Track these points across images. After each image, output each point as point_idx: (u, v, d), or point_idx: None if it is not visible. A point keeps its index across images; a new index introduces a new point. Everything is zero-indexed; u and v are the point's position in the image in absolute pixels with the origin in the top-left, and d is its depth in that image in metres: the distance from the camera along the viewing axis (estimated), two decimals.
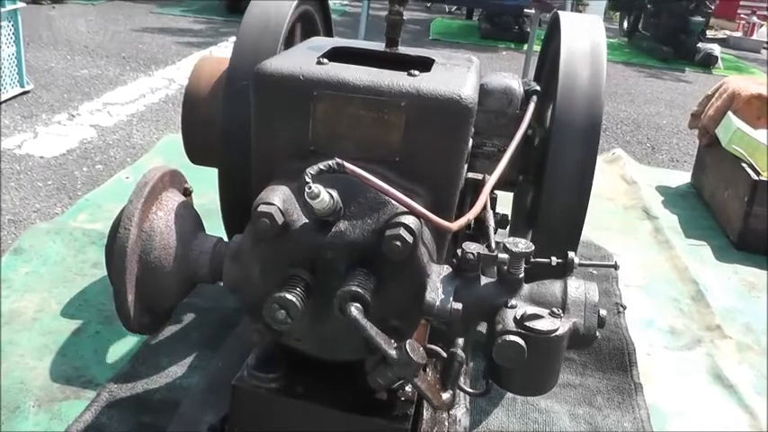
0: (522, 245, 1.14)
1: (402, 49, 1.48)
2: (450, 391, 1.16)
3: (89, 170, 2.86)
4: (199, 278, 1.20)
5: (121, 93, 4.01)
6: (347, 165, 1.09)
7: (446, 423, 1.36)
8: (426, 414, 1.35)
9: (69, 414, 1.51)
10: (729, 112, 2.97)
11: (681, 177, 3.58)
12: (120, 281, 1.10)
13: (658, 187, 3.42)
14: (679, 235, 2.91)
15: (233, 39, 5.72)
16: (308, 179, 1.06)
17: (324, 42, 1.47)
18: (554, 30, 1.79)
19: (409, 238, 1.07)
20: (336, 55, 1.36)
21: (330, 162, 1.09)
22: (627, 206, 3.13)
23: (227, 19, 6.71)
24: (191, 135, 1.78)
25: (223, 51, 5.43)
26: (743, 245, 2.76)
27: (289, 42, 1.70)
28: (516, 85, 1.60)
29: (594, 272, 2.43)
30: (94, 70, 4.42)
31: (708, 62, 6.79)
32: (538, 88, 1.63)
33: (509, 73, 1.67)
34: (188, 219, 1.20)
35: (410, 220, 1.09)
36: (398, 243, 1.07)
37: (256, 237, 1.11)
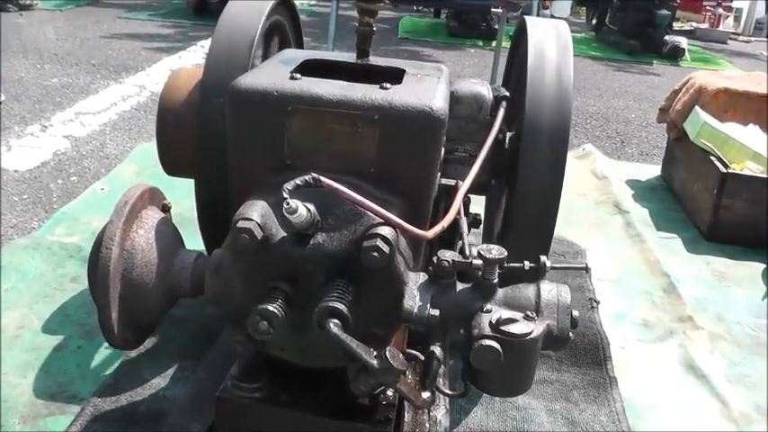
0: (496, 251, 1.18)
1: (373, 60, 1.51)
2: (430, 392, 1.19)
3: (64, 182, 2.85)
4: (180, 293, 1.22)
5: (93, 101, 3.99)
6: (323, 179, 1.12)
7: (427, 425, 1.39)
8: (407, 416, 1.38)
9: (54, 430, 1.52)
10: (697, 107, 3.04)
11: (651, 171, 3.64)
12: (103, 299, 1.12)
13: (629, 181, 3.48)
14: (650, 228, 2.97)
15: (202, 42, 5.71)
16: (285, 195, 1.08)
17: (296, 55, 1.49)
18: (521, 35, 1.83)
19: (386, 249, 1.10)
20: (309, 68, 1.39)
21: (306, 177, 1.12)
22: (598, 201, 3.18)
23: (195, 22, 6.68)
24: (165, 147, 1.80)
25: (192, 56, 5.42)
26: (713, 236, 2.83)
27: (261, 53, 1.72)
28: (486, 91, 1.64)
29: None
30: (65, 79, 4.39)
31: (675, 54, 6.91)
32: (507, 94, 1.66)
33: (478, 79, 1.71)
34: (168, 235, 1.22)
35: (386, 230, 1.13)
36: (376, 254, 1.10)
37: (236, 251, 1.14)
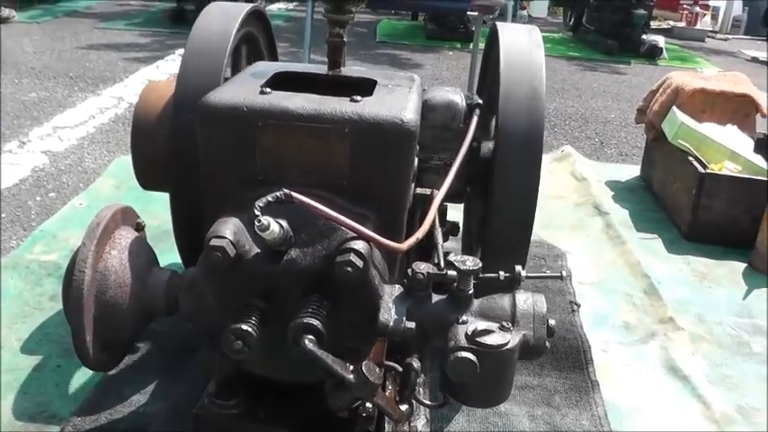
0: (470, 262, 1.18)
1: (346, 70, 1.51)
2: (408, 404, 1.19)
3: (42, 199, 2.82)
4: (155, 311, 1.21)
5: (71, 115, 3.96)
6: (294, 195, 1.12)
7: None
8: (387, 428, 1.38)
9: None
10: (674, 107, 3.06)
11: (630, 171, 3.67)
12: (77, 321, 1.11)
13: (608, 182, 3.50)
14: (630, 229, 2.98)
15: (179, 51, 5.68)
16: (257, 212, 1.08)
17: (267, 68, 1.49)
18: (493, 41, 1.84)
19: (359, 263, 1.10)
20: (280, 81, 1.38)
21: (278, 193, 1.11)
22: (577, 203, 3.20)
23: (172, 31, 6.65)
24: (140, 161, 1.79)
25: (170, 65, 5.39)
26: (693, 236, 2.85)
27: (234, 65, 1.71)
28: (459, 99, 1.64)
29: (548, 272, 2.50)
30: (43, 93, 4.36)
31: (653, 54, 6.96)
32: (480, 101, 1.67)
33: (451, 87, 1.71)
34: (141, 255, 1.21)
35: (360, 245, 1.12)
36: (349, 268, 1.10)
37: (209, 269, 1.13)
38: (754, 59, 7.96)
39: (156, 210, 2.63)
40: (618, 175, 3.61)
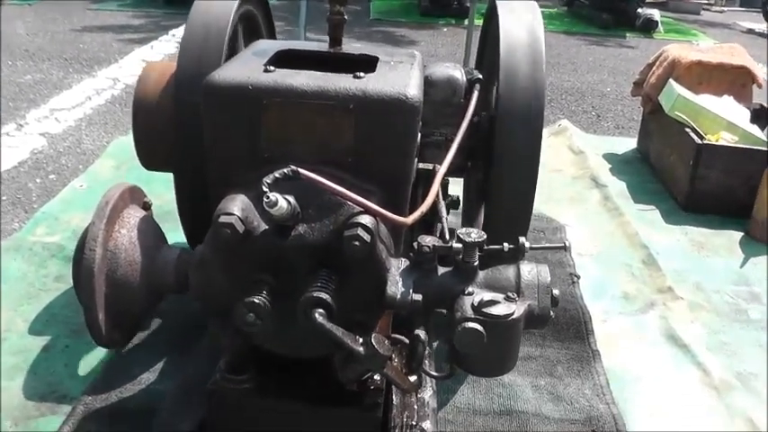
0: (475, 234, 1.20)
1: (347, 47, 1.52)
2: (416, 375, 1.22)
3: (42, 181, 2.83)
4: (165, 289, 1.23)
5: (67, 97, 3.95)
6: (301, 171, 1.13)
7: (415, 407, 1.42)
8: (396, 400, 1.40)
9: (47, 430, 1.53)
10: (671, 80, 3.07)
11: (627, 144, 3.68)
12: (89, 300, 1.13)
13: (605, 155, 3.52)
14: (628, 201, 3.01)
15: (173, 31, 5.65)
16: (265, 189, 1.09)
17: (268, 46, 1.49)
18: (491, 17, 1.84)
19: (367, 237, 1.12)
20: (282, 59, 1.39)
21: (285, 170, 1.13)
22: (575, 176, 3.22)
23: (166, 11, 6.61)
24: (142, 142, 1.80)
25: (164, 46, 5.37)
26: (690, 206, 2.88)
27: (232, 44, 1.72)
28: (459, 74, 1.65)
29: (548, 244, 2.52)
30: (38, 75, 4.34)
31: (648, 27, 6.94)
32: (480, 77, 1.68)
33: (451, 63, 1.72)
34: (150, 233, 1.23)
35: (366, 219, 1.14)
36: (357, 243, 1.12)
37: (218, 246, 1.15)
38: (750, 31, 7.95)
39: (158, 190, 2.62)
40: (615, 148, 3.62)
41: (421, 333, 1.24)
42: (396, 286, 1.19)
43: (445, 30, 6.71)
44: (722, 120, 2.87)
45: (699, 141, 2.79)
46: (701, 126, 2.87)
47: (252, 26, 1.94)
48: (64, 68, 4.55)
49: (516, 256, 1.24)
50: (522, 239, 1.25)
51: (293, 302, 1.13)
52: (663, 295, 2.27)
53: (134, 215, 1.23)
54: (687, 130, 2.89)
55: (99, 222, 1.15)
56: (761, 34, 7.62)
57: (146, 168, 1.89)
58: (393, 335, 1.31)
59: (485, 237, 1.19)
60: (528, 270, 1.22)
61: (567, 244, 1.34)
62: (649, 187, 3.15)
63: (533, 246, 1.26)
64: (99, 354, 1.78)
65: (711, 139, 2.81)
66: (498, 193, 1.61)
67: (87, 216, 2.38)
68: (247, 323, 1.11)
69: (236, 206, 1.15)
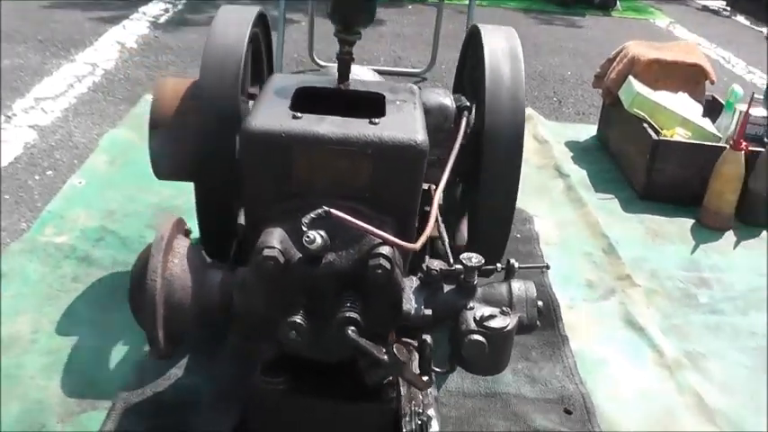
0: (475, 259, 1.43)
1: (353, 83, 1.72)
2: (428, 375, 1.45)
3: (41, 177, 2.96)
4: (211, 308, 1.44)
5: (49, 85, 4.03)
6: (332, 211, 1.35)
7: (420, 396, 1.66)
8: (403, 391, 1.65)
9: (91, 425, 1.72)
10: (630, 77, 3.33)
11: (587, 131, 3.94)
12: (152, 323, 1.33)
13: (567, 143, 3.77)
14: (589, 190, 3.27)
15: (143, 9, 5.65)
16: (304, 228, 1.31)
17: (286, 83, 1.68)
18: (474, 43, 2.06)
19: (388, 266, 1.34)
20: (300, 97, 1.59)
21: (319, 211, 1.34)
22: (540, 166, 3.46)
23: None
24: (159, 158, 1.97)
25: (136, 25, 5.41)
26: (647, 195, 3.15)
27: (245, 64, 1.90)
28: (449, 101, 1.86)
29: (518, 235, 2.77)
30: (16, 60, 4.38)
31: (606, 5, 7.19)
32: (467, 104, 1.90)
33: (441, 89, 1.93)
34: (196, 260, 1.43)
35: (386, 249, 1.36)
36: (380, 270, 1.34)
37: (262, 275, 1.35)
38: (705, 8, 8.26)
39: (156, 187, 2.81)
40: (576, 136, 3.88)
41: (428, 338, 1.48)
42: (410, 303, 1.42)
43: (410, 7, 6.85)
44: (677, 116, 3.14)
45: (655, 137, 3.06)
46: (658, 122, 3.13)
47: (257, 47, 2.12)
48: (40, 51, 4.60)
49: (507, 275, 1.49)
50: (512, 261, 1.49)
51: (324, 319, 1.36)
52: (622, 282, 2.55)
53: (182, 244, 1.43)
54: (645, 125, 3.15)
55: (158, 255, 1.34)
56: (715, 12, 7.93)
57: (158, 178, 2.07)
58: (403, 339, 1.54)
59: (483, 261, 1.43)
60: (518, 287, 1.47)
61: (548, 264, 1.57)
62: (609, 176, 3.42)
63: (521, 266, 1.50)
64: (126, 353, 1.97)
65: (667, 134, 3.08)
66: (483, 206, 1.85)
67: (91, 214, 2.59)
68: (290, 339, 1.33)
69: (276, 239, 1.36)
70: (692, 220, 3.03)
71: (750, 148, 2.90)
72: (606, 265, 2.67)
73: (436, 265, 1.44)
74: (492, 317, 1.37)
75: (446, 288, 1.46)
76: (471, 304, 1.42)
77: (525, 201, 3.05)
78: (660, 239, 2.91)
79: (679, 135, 3.10)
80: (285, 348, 1.43)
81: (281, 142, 1.41)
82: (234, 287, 1.43)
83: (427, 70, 4.65)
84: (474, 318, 1.38)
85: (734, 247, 2.88)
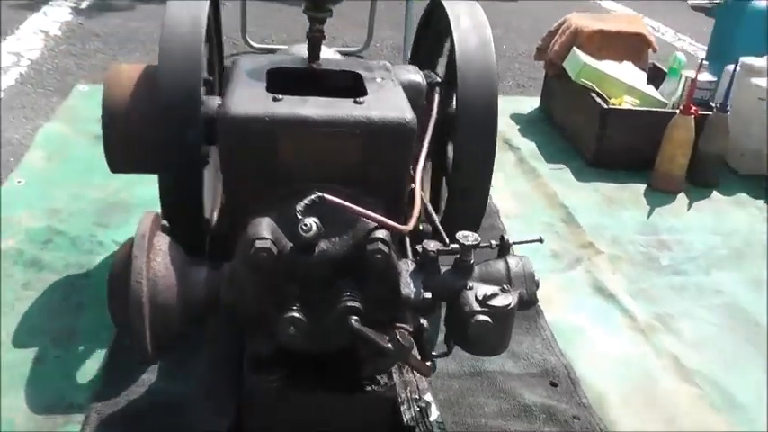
0: (471, 237, 1.39)
1: (324, 61, 1.65)
2: (430, 360, 1.41)
3: None
4: (197, 306, 1.35)
5: None
6: (326, 197, 1.28)
7: (414, 381, 1.62)
8: (396, 378, 1.60)
9: None
10: (574, 48, 3.35)
11: (530, 103, 3.95)
12: (140, 327, 1.24)
13: (512, 116, 3.78)
14: (541, 162, 3.29)
15: None
16: (299, 216, 1.24)
17: (256, 65, 1.59)
18: (434, 16, 2.03)
19: (386, 249, 1.29)
20: (274, 81, 1.51)
21: (313, 197, 1.27)
22: None
23: None
24: (114, 148, 1.86)
25: (57, 12, 5.12)
26: (597, 163, 3.19)
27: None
28: (420, 78, 1.81)
29: None
30: None
31: None
32: (439, 80, 1.85)
33: (410, 66, 1.88)
34: (178, 256, 1.34)
35: (382, 233, 1.31)
36: (379, 255, 1.29)
37: (254, 267, 1.28)
38: None
39: (99, 182, 2.67)
40: (520, 109, 3.89)
41: (425, 323, 1.43)
42: (408, 287, 1.37)
43: None
44: (624, 84, 3.18)
45: (604, 106, 3.09)
46: (605, 91, 3.17)
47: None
48: None
49: (503, 251, 1.45)
50: (506, 237, 1.46)
51: (320, 311, 1.30)
52: (586, 251, 2.57)
53: (162, 242, 1.34)
54: (592, 95, 3.18)
55: (141, 256, 1.24)
56: None
57: (112, 171, 1.95)
58: (397, 324, 1.49)
59: (479, 240, 1.39)
60: (515, 263, 1.44)
61: (542, 238, 1.54)
62: (557, 146, 3.44)
63: (515, 241, 1.47)
64: (91, 360, 1.85)
65: (615, 102, 3.12)
66: (458, 179, 1.81)
67: (35, 214, 2.44)
68: (289, 335, 1.26)
69: (266, 230, 1.28)
70: (644, 185, 3.09)
71: (699, 113, 2.97)
72: (568, 234, 2.69)
73: (432, 246, 1.39)
74: (494, 295, 1.34)
75: (442, 269, 1.42)
76: (470, 284, 1.38)
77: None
78: (615, 205, 2.95)
79: (627, 103, 3.15)
80: (280, 344, 1.35)
81: (264, 127, 1.33)
82: (220, 283, 1.34)
83: (364, 48, 4.58)
84: (476, 297, 1.34)
85: (687, 209, 2.95)
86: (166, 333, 1.32)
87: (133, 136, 1.81)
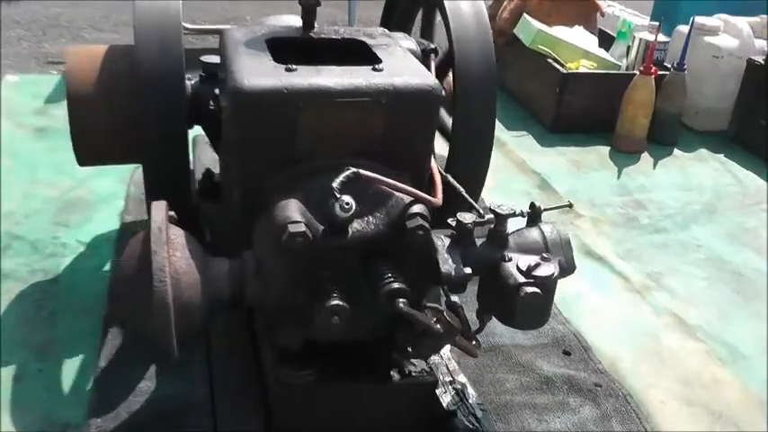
0: (506, 207, 1.32)
1: (322, 32, 1.54)
2: (474, 339, 1.33)
3: None
4: (220, 302, 1.23)
5: None
6: (362, 172, 1.18)
7: (445, 364, 1.55)
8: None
9: None
10: (525, 14, 3.31)
11: None
12: (166, 330, 1.11)
13: None
14: (502, 130, 3.24)
15: None
16: (337, 194, 1.13)
17: (250, 36, 1.46)
18: None
19: (427, 225, 1.21)
20: (276, 49, 1.39)
21: (348, 173, 1.17)
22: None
23: None
24: (83, 137, 1.70)
25: None
26: (557, 129, 3.18)
27: None
28: (414, 46, 1.72)
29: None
30: None
31: None
32: (434, 47, 1.76)
33: (401, 33, 1.78)
34: (195, 249, 1.21)
35: (420, 208, 1.22)
36: (420, 232, 1.20)
37: (287, 253, 1.16)
38: None
39: (46, 178, 2.47)
40: None
41: (456, 299, 1.36)
42: (448, 264, 1.28)
43: None
44: (579, 48, 3.17)
45: (563, 71, 3.07)
46: (561, 56, 3.15)
47: None
48: None
49: (534, 218, 1.39)
50: (538, 204, 1.39)
51: (357, 295, 1.20)
52: (567, 215, 2.54)
53: (178, 234, 1.20)
54: (549, 60, 3.15)
55: (161, 251, 1.11)
56: None
57: (80, 164, 1.79)
58: (429, 304, 1.40)
59: (514, 209, 1.32)
60: (549, 230, 1.37)
61: (571, 203, 1.49)
62: (515, 114, 3.41)
63: (545, 208, 1.41)
64: (78, 371, 1.69)
65: (572, 67, 3.10)
66: (461, 144, 1.73)
67: None
68: (332, 325, 1.16)
69: (297, 213, 1.17)
70: (607, 147, 3.10)
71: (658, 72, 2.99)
72: (546, 200, 2.66)
73: (468, 218, 1.31)
74: (537, 265, 1.27)
75: (477, 241, 1.34)
76: (508, 255, 1.31)
77: (445, 146, 2.97)
78: (585, 168, 2.94)
79: (584, 67, 3.14)
80: (314, 335, 1.25)
81: (283, 99, 1.21)
82: (244, 275, 1.22)
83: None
84: (518, 268, 1.27)
85: (653, 167, 2.97)
86: (189, 334, 1.19)
87: (105, 123, 1.65)
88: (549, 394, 1.72)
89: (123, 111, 1.61)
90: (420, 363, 1.39)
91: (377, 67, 1.30)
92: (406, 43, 1.71)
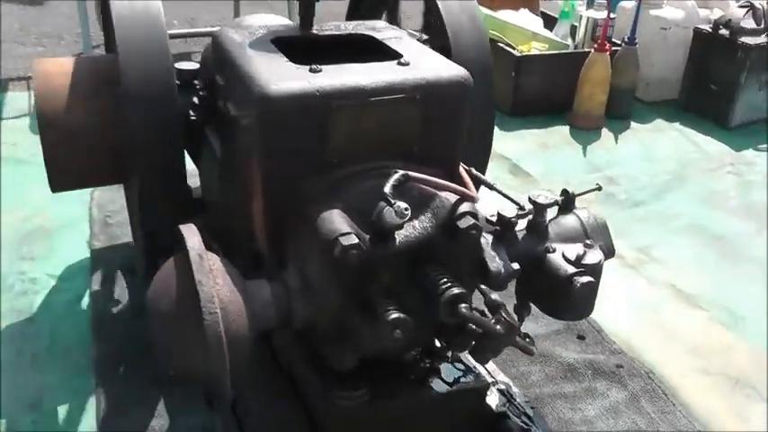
0: (544, 196, 1.27)
1: (323, 28, 1.45)
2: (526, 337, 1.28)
3: None
4: (267, 328, 1.14)
5: None
6: (411, 174, 1.11)
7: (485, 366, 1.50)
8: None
9: None
10: None
11: None
12: (221, 367, 1.01)
13: None
14: None
15: None
16: (391, 200, 1.06)
17: (250, 38, 1.35)
18: None
19: (480, 224, 1.15)
20: (283, 48, 1.30)
21: (398, 176, 1.10)
22: None
23: None
24: (58, 163, 1.56)
25: None
26: (515, 112, 3.17)
27: None
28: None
29: None
30: None
31: None
32: (427, 38, 1.70)
33: (388, 24, 1.71)
34: (234, 274, 1.11)
35: (469, 206, 1.16)
36: (474, 231, 1.14)
37: (340, 267, 1.08)
38: None
39: (8, 202, 2.28)
40: None
41: (497, 297, 1.30)
42: (495, 261, 1.22)
43: None
44: (527, 31, 3.17)
45: (517, 54, 3.06)
46: (511, 39, 3.14)
47: None
48: None
49: (568, 205, 1.35)
50: (571, 190, 1.35)
51: (410, 303, 1.13)
52: None
53: (214, 259, 1.10)
54: (501, 45, 3.14)
55: (207, 280, 1.01)
56: None
57: (54, 191, 1.64)
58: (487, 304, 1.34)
59: (553, 198, 1.28)
60: (586, 216, 1.33)
61: (600, 186, 1.45)
62: None
63: (579, 192, 1.37)
64: (74, 417, 1.56)
65: (524, 49, 3.10)
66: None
67: None
68: (395, 339, 1.08)
69: (345, 224, 1.09)
70: (566, 126, 3.12)
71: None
72: (522, 184, 2.65)
73: (509, 212, 1.25)
74: (585, 254, 1.23)
75: (519, 235, 1.29)
76: (551, 246, 1.26)
77: None
78: (551, 149, 2.95)
79: (536, 49, 3.14)
80: (369, 352, 1.17)
81: (314, 102, 1.12)
82: (288, 297, 1.13)
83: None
84: (566, 258, 1.23)
85: (615, 142, 3.01)
86: (241, 364, 1.09)
87: (84, 141, 1.52)
88: (576, 381, 1.69)
89: (107, 130, 1.48)
90: (458, 367, 1.34)
91: (401, 61, 1.23)
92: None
